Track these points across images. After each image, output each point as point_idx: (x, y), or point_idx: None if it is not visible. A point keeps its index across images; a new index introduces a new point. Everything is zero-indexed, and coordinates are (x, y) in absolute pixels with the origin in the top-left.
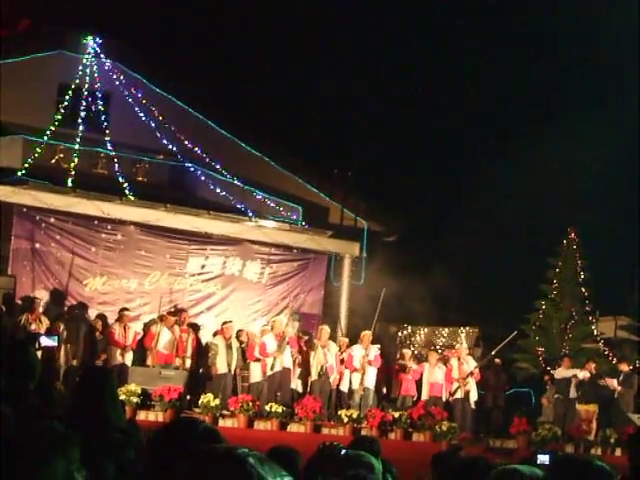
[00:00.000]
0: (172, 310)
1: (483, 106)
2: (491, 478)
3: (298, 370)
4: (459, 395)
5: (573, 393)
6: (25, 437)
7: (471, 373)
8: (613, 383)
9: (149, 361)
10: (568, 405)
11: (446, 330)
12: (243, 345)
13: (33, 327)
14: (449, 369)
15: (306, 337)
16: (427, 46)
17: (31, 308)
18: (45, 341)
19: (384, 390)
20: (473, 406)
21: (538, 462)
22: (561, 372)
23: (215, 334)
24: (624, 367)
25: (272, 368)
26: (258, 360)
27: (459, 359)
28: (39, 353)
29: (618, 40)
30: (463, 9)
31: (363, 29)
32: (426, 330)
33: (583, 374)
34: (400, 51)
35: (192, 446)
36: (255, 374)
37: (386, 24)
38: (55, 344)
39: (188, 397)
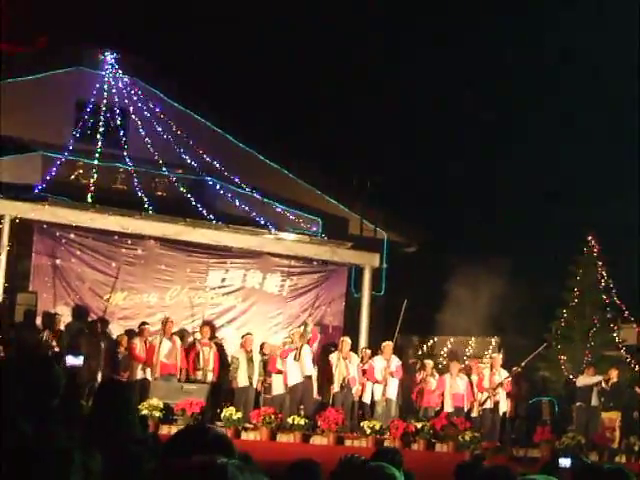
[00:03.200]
0: (167, 319)
1: (501, 111)
2: None
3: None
4: (488, 405)
5: (595, 401)
6: (42, 451)
7: (501, 384)
8: None
9: (151, 374)
10: (591, 413)
11: (474, 340)
12: (265, 357)
13: (54, 343)
14: (480, 379)
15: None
16: (446, 58)
17: (52, 324)
18: (71, 360)
19: (406, 401)
20: (502, 417)
21: (560, 466)
22: (583, 379)
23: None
24: None
25: (296, 357)
26: (280, 372)
27: (492, 369)
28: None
29: None
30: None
31: (383, 40)
32: (452, 340)
33: (604, 383)
34: (418, 61)
35: (204, 453)
36: (277, 386)
37: (405, 36)
38: (81, 363)
39: (211, 410)
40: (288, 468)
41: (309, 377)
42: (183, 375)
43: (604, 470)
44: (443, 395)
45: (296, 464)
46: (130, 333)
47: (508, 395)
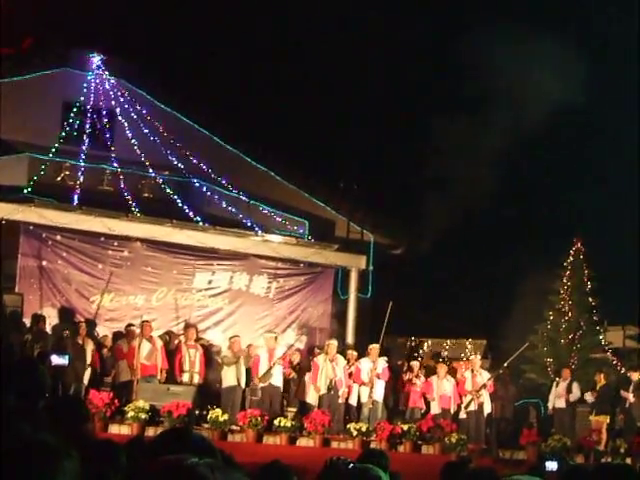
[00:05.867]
0: (144, 321)
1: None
2: None
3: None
4: (473, 407)
5: (562, 402)
6: (26, 452)
7: (484, 385)
8: (628, 396)
9: (132, 375)
10: (567, 415)
11: (450, 342)
12: (252, 359)
13: (40, 345)
14: (462, 381)
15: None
16: (429, 59)
17: (38, 326)
18: (56, 360)
19: (392, 403)
20: (486, 418)
21: (547, 469)
22: (552, 400)
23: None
24: (634, 376)
25: (264, 378)
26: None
27: (472, 371)
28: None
29: None
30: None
31: (364, 43)
32: (430, 342)
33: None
34: (402, 63)
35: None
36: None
37: (391, 36)
38: (66, 362)
39: (197, 412)
40: (259, 471)
41: (277, 387)
42: (163, 376)
43: (612, 467)
44: (427, 397)
45: (268, 468)
46: (117, 335)
47: (492, 396)
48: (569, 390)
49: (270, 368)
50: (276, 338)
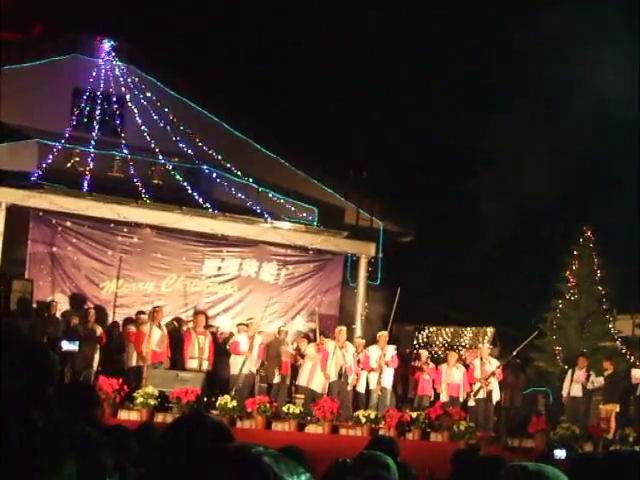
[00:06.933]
0: (155, 308)
1: (496, 99)
2: (501, 476)
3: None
4: (481, 395)
5: (578, 391)
6: (43, 440)
7: (493, 373)
8: (637, 374)
9: (142, 361)
10: (580, 403)
11: (470, 330)
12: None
13: (50, 331)
14: (471, 369)
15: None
16: (440, 46)
17: (48, 312)
18: (66, 345)
19: (401, 390)
20: (495, 406)
21: (555, 457)
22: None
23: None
24: None
25: (241, 369)
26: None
27: (481, 359)
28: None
29: None
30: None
31: (379, 30)
32: (451, 330)
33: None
34: (413, 50)
35: (201, 442)
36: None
37: (400, 26)
38: (76, 348)
39: (205, 399)
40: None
41: (252, 373)
42: (167, 362)
43: (621, 453)
44: (437, 384)
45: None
46: (126, 321)
47: (501, 384)
48: (587, 378)
49: (244, 362)
50: (257, 330)
